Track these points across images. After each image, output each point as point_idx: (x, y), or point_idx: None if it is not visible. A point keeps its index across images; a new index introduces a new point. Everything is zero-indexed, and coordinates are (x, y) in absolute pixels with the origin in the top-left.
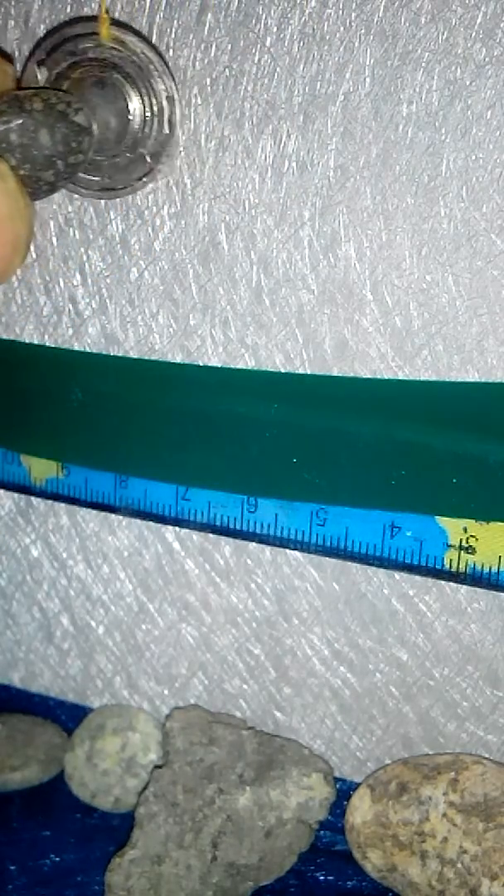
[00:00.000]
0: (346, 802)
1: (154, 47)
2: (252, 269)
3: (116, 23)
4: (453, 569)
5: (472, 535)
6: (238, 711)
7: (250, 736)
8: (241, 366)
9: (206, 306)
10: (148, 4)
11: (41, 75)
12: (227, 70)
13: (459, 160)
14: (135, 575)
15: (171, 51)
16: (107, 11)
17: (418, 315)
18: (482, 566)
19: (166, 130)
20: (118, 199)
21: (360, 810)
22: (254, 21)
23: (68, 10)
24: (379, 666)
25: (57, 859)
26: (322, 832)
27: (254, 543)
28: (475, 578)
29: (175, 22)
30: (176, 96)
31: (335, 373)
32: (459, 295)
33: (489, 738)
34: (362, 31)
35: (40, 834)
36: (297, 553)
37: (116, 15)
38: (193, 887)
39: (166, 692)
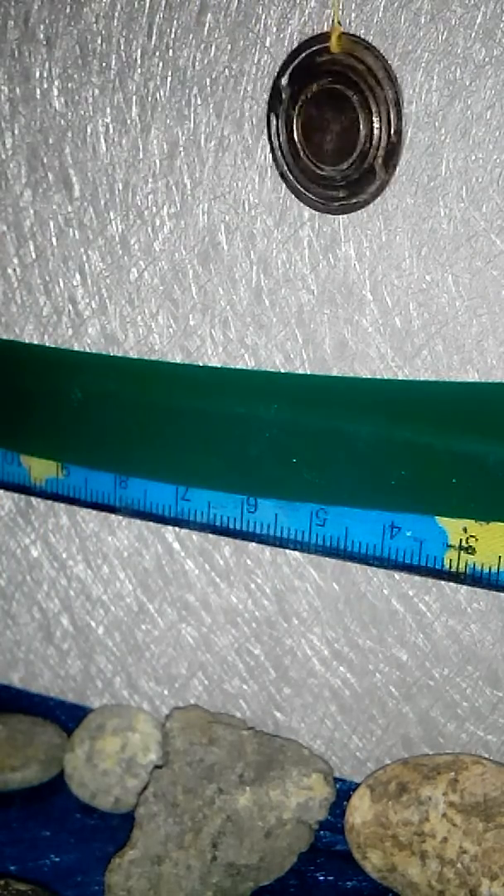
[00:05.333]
0: (346, 802)
1: (380, 55)
2: (252, 269)
3: (347, 34)
4: (453, 569)
5: (471, 536)
6: (238, 711)
7: (250, 736)
8: (240, 366)
9: (206, 306)
10: (148, 4)
11: (285, 94)
12: (227, 70)
13: (459, 160)
14: (135, 575)
15: (171, 51)
16: (339, 23)
17: (418, 315)
18: (482, 566)
19: (394, 139)
20: (118, 199)
21: (360, 810)
22: (253, 21)
23: (68, 10)
24: (379, 666)
25: (57, 859)
26: (322, 832)
27: (253, 544)
28: (475, 578)
29: (175, 22)
30: (402, 103)
31: (335, 373)
32: (459, 295)
33: (489, 738)
34: (362, 31)
35: (40, 834)
36: (296, 553)
37: (116, 15)
38: (193, 887)
39: (166, 692)
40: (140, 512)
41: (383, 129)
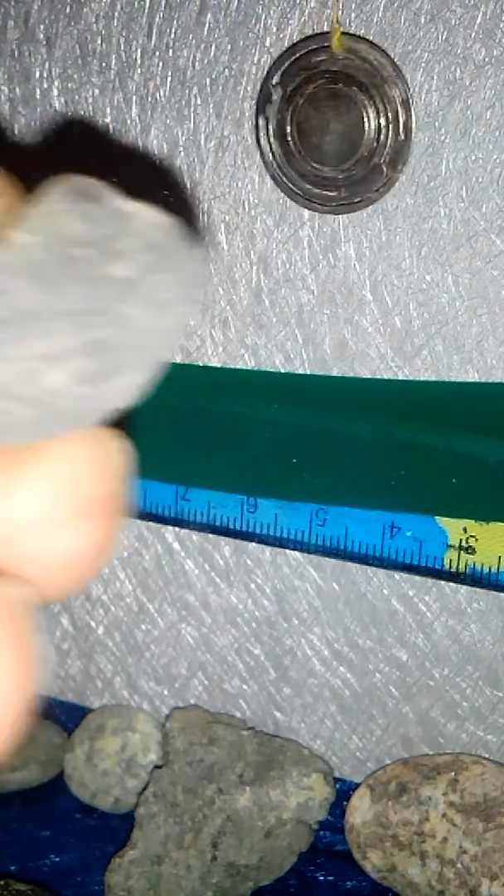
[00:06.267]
0: (345, 803)
1: (386, 53)
2: (252, 269)
3: (348, 33)
4: (453, 569)
5: (471, 536)
6: (238, 712)
7: (250, 736)
8: (240, 366)
9: (206, 306)
10: (148, 4)
11: (276, 94)
12: (226, 70)
13: (459, 160)
14: (135, 575)
15: (170, 51)
16: (338, 22)
17: (418, 315)
18: (482, 566)
19: (402, 137)
20: None
21: (360, 810)
22: (253, 21)
23: (68, 10)
24: (379, 666)
25: (57, 859)
26: (322, 832)
27: (253, 544)
28: (475, 578)
29: (175, 22)
30: (411, 101)
31: (335, 373)
32: (459, 295)
33: (489, 738)
34: (362, 30)
35: (40, 834)
36: (296, 553)
37: (116, 15)
38: (193, 887)
39: (166, 692)
40: (140, 512)
41: (391, 128)
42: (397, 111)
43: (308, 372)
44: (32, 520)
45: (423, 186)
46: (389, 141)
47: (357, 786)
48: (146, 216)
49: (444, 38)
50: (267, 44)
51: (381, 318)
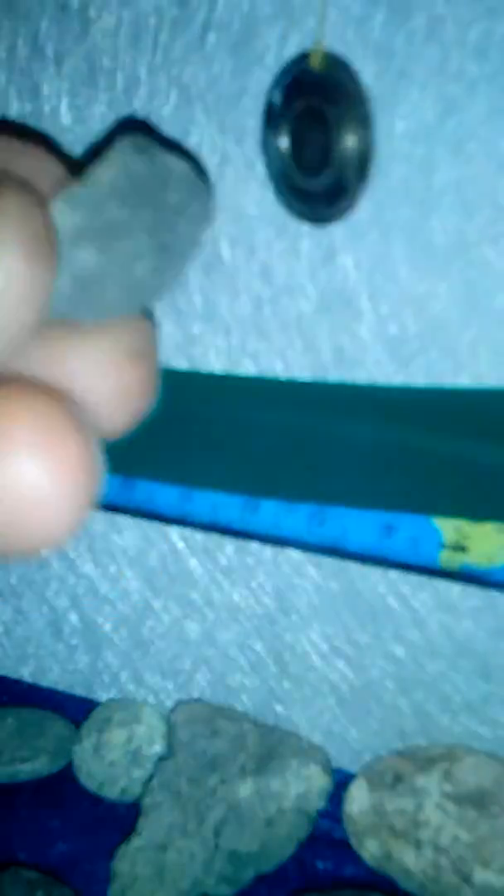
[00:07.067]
0: (343, 792)
1: (352, 74)
2: (253, 279)
3: (329, 53)
4: (447, 567)
5: (465, 535)
6: (240, 705)
7: (252, 728)
8: (242, 372)
9: (209, 315)
10: (153, 23)
11: (276, 110)
12: (229, 87)
13: (453, 174)
14: (141, 573)
15: (175, 68)
16: (321, 43)
17: (413, 323)
18: (475, 564)
19: (366, 156)
20: None
21: (358, 800)
22: (255, 40)
23: (76, 28)
24: (375, 661)
25: (65, 848)
26: (321, 821)
27: (255, 543)
28: (468, 576)
29: (179, 40)
30: (373, 122)
31: (333, 379)
32: (452, 304)
33: (482, 730)
34: (360, 49)
35: (49, 823)
36: (296, 552)
37: (123, 34)
38: (196, 874)
39: (171, 686)
40: (146, 513)
41: (358, 147)
42: (363, 131)
43: (307, 378)
44: (96, 364)
45: (419, 199)
46: (357, 158)
47: (354, 776)
48: (180, 164)
49: (438, 55)
50: (267, 62)
51: (377, 326)
